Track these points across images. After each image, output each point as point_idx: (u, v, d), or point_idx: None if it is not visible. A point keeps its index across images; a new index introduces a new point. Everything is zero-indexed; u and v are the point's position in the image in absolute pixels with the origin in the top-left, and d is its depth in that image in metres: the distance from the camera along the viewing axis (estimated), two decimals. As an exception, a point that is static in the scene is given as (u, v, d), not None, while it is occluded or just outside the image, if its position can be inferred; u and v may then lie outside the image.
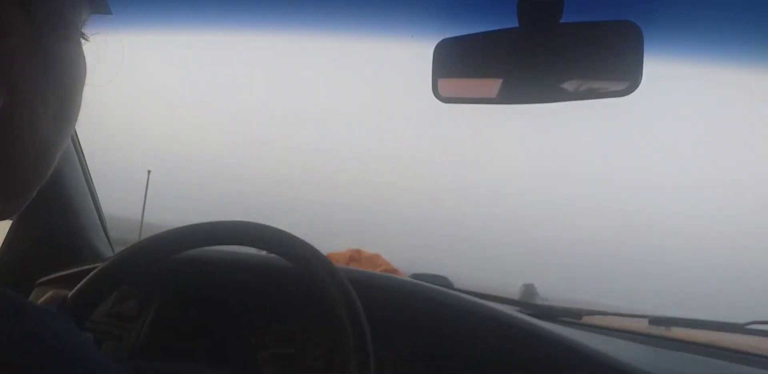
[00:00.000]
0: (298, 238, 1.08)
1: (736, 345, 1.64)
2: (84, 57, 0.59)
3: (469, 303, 1.31)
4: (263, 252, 1.16)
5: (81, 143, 1.57)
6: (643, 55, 0.92)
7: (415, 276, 1.79)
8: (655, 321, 1.66)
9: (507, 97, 1.03)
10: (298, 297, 1.26)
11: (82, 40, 0.59)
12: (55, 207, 1.50)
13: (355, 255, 1.69)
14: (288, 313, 1.30)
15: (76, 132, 1.51)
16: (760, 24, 1.14)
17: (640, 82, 0.93)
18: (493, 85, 1.03)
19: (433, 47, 1.05)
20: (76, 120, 0.60)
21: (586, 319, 1.67)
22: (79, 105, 0.59)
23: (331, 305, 1.01)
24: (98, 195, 1.63)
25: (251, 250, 1.20)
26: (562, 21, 0.95)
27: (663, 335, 1.68)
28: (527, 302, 1.71)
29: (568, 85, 0.99)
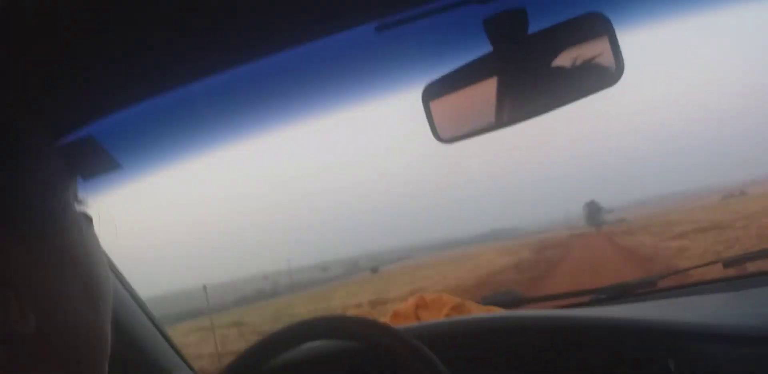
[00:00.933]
0: (360, 318, 1.09)
1: None
2: (95, 237, 0.61)
3: (537, 318, 1.32)
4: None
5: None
6: (617, 40, 0.94)
7: (486, 299, 1.79)
8: (729, 262, 1.65)
9: (504, 120, 1.05)
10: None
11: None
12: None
13: (421, 303, 1.68)
14: None
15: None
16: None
17: (624, 66, 0.95)
18: (489, 113, 1.05)
19: (420, 93, 1.07)
20: (110, 294, 0.61)
21: (661, 284, 1.67)
22: (107, 279, 0.61)
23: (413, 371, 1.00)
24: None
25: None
26: (530, 32, 0.96)
27: (742, 274, 1.66)
28: (600, 287, 1.70)
29: (558, 91, 1.00)
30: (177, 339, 1.68)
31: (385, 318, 1.64)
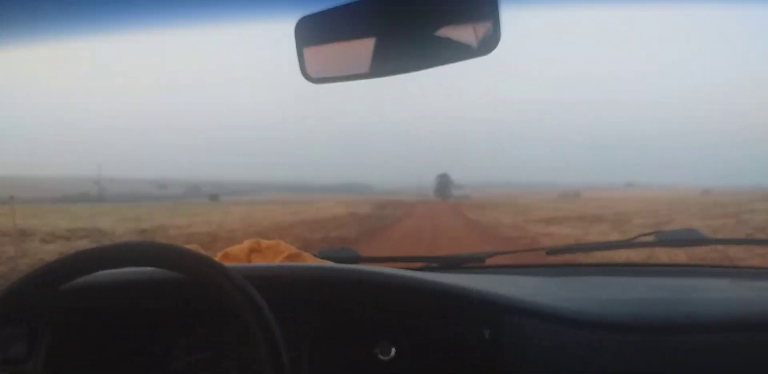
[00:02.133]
0: (189, 251, 1.04)
1: (630, 260, 1.79)
2: None
3: (369, 274, 1.33)
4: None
5: None
6: (498, 10, 0.93)
7: (323, 253, 1.79)
8: (552, 250, 1.78)
9: (377, 69, 1.02)
10: (204, 304, 1.22)
11: None
12: None
13: (256, 247, 1.64)
14: (197, 321, 1.27)
15: None
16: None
17: (499, 38, 0.95)
18: (363, 59, 1.02)
19: (294, 26, 1.02)
20: None
21: (489, 261, 1.76)
22: None
23: (238, 313, 0.99)
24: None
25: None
26: None
27: (561, 263, 1.78)
28: (432, 256, 1.79)
29: (434, 50, 0.99)
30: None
31: (214, 256, 1.59)
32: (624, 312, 1.27)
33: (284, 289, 1.22)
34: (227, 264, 1.07)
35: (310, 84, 1.08)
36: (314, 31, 1.02)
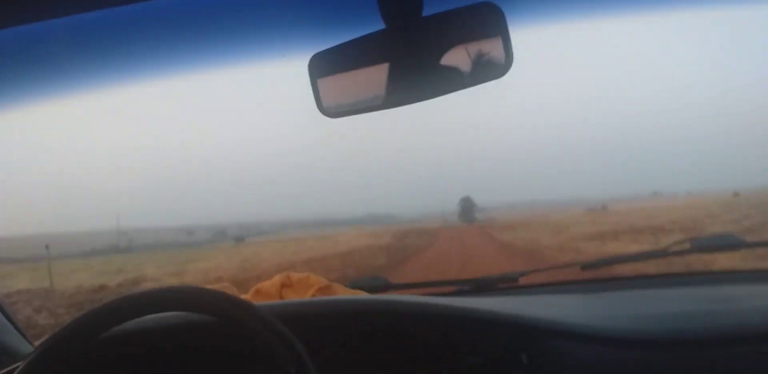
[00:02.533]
0: (221, 293, 1.04)
1: (668, 270, 1.76)
2: None
3: (400, 304, 1.33)
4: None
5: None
6: (508, 33, 0.95)
7: (354, 282, 1.79)
8: (587, 266, 1.76)
9: (392, 100, 1.03)
10: (239, 347, 1.22)
11: None
12: None
13: (286, 281, 1.63)
14: (234, 365, 1.26)
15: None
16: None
17: (512, 60, 0.96)
18: (377, 91, 1.03)
19: (307, 63, 1.04)
20: None
21: (522, 280, 1.74)
22: None
23: (275, 356, 0.99)
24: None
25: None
26: (425, 14, 0.96)
27: (597, 277, 1.76)
28: (464, 279, 1.77)
29: (447, 77, 1.00)
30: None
31: (246, 295, 1.58)
32: (661, 328, 1.26)
33: (318, 325, 1.22)
34: (260, 301, 1.06)
35: (326, 119, 1.09)
36: (327, 67, 1.04)
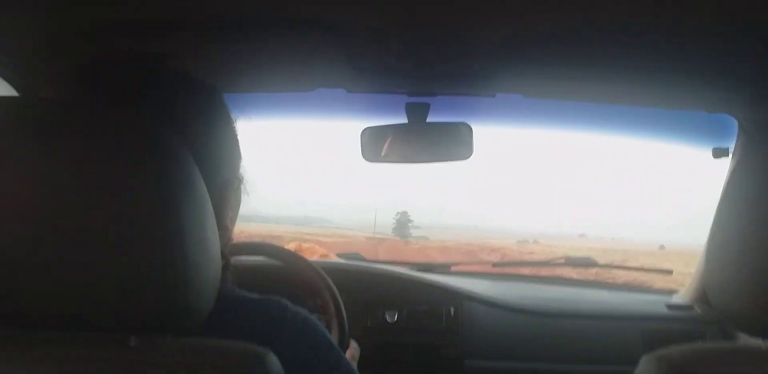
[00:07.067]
0: (293, 253, 1.81)
1: (556, 274, 2.77)
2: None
3: (373, 269, 2.23)
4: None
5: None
6: (472, 136, 1.77)
7: (340, 255, 2.64)
8: (497, 264, 2.69)
9: (399, 158, 1.86)
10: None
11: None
12: None
13: (298, 248, 2.44)
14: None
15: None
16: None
17: (472, 152, 1.78)
18: (396, 151, 1.85)
19: (361, 131, 1.85)
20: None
21: (453, 269, 2.64)
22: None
23: (318, 288, 1.74)
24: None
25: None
26: (428, 120, 1.77)
27: (505, 272, 2.71)
28: (415, 262, 2.60)
29: (432, 154, 1.83)
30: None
31: None
32: (540, 304, 2.18)
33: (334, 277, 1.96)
34: None
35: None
36: (372, 135, 1.84)
